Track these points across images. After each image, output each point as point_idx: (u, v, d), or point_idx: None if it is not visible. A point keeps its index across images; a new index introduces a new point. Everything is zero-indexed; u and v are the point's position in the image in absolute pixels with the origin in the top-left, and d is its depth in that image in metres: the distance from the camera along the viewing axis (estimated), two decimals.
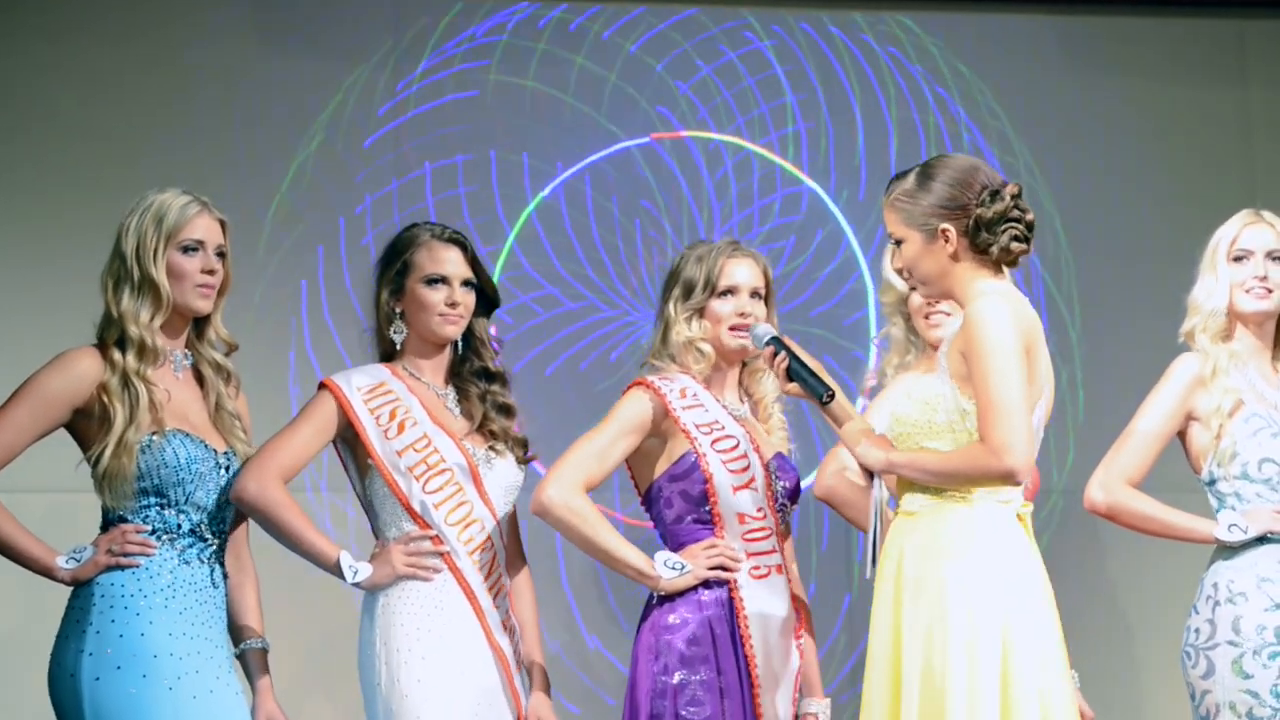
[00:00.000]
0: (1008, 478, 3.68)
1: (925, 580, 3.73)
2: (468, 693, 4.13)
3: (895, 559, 3.79)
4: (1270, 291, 4.54)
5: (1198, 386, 4.51)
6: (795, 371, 4.06)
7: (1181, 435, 4.56)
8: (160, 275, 4.02)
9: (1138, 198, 6.09)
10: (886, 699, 3.74)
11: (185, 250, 4.05)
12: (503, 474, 4.30)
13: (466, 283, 4.31)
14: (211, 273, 4.06)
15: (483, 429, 4.31)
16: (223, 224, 4.12)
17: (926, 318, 4.51)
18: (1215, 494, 4.52)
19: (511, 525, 4.35)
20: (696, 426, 4.27)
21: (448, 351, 4.35)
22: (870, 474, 3.86)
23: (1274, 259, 4.55)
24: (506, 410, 4.35)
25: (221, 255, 4.10)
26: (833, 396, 4.00)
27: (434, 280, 4.28)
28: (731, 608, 4.21)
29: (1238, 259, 4.55)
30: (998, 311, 3.70)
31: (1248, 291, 4.53)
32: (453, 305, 4.27)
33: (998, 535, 3.76)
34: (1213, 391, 4.48)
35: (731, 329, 4.32)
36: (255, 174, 5.71)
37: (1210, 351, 4.51)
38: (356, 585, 4.16)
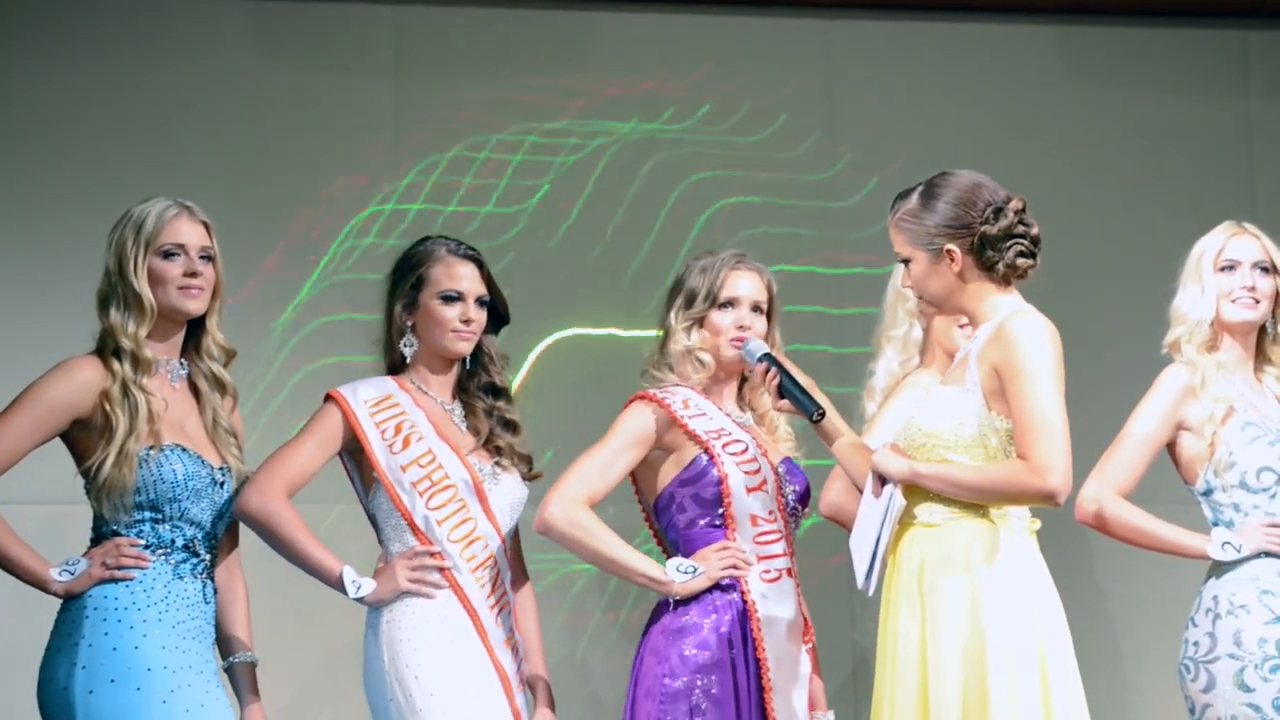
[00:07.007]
0: (1048, 498, 3.69)
1: (952, 593, 3.74)
2: (473, 709, 4.12)
3: (915, 571, 3.80)
4: (1258, 302, 4.55)
5: (1188, 396, 4.51)
6: (786, 389, 4.08)
7: (1170, 447, 4.56)
8: (142, 285, 4.00)
9: (1137, 207, 6.08)
10: (914, 708, 3.73)
11: (166, 255, 4.03)
12: (508, 490, 4.29)
13: (480, 300, 4.31)
14: (194, 275, 4.04)
15: (489, 444, 4.31)
16: (207, 226, 4.10)
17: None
18: (1212, 505, 4.51)
19: (515, 541, 4.35)
20: (706, 433, 4.27)
21: (456, 367, 4.35)
22: (882, 483, 3.84)
23: (1261, 270, 4.56)
24: (512, 426, 4.35)
25: (209, 258, 4.08)
26: (824, 415, 4.02)
27: (449, 296, 4.28)
28: (744, 610, 4.21)
29: (1225, 269, 4.56)
30: (1038, 331, 3.74)
31: (1234, 301, 4.55)
32: (467, 322, 4.28)
33: (1019, 549, 3.79)
34: (1203, 400, 4.48)
35: (730, 341, 4.31)
36: (257, 185, 5.70)
37: (1198, 362, 4.52)
38: (360, 601, 4.16)
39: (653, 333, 4.47)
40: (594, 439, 4.26)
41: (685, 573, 4.21)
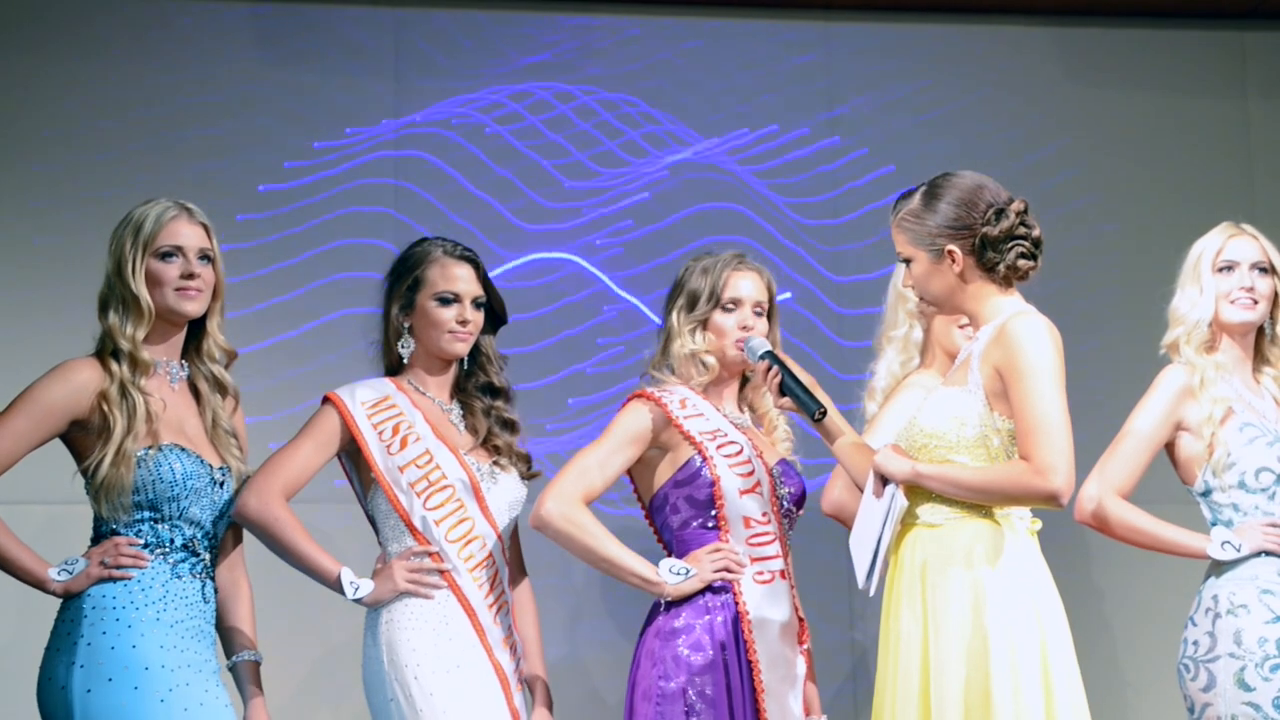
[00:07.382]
0: (1051, 499, 3.70)
1: (955, 593, 3.75)
2: (472, 708, 4.12)
3: (917, 570, 3.81)
4: (1256, 303, 4.55)
5: (1186, 397, 4.51)
6: (788, 387, 4.09)
7: (1168, 448, 4.56)
8: (140, 287, 4.00)
9: (1136, 207, 6.09)
10: (915, 708, 3.73)
11: (163, 257, 4.03)
12: (506, 489, 4.30)
13: (477, 300, 4.31)
14: (192, 276, 4.03)
15: (487, 444, 4.32)
16: (206, 228, 4.09)
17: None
18: (1210, 505, 4.51)
19: (514, 540, 4.36)
20: (701, 434, 4.28)
21: (454, 367, 4.36)
22: (884, 484, 3.84)
23: (1260, 271, 4.56)
24: (510, 425, 4.36)
25: (208, 260, 4.07)
26: (825, 413, 4.02)
27: (446, 298, 4.28)
28: (736, 612, 4.21)
29: (1223, 270, 4.57)
30: (1039, 332, 3.74)
31: (1233, 302, 4.55)
32: (463, 323, 4.29)
33: (1021, 549, 3.79)
34: (1202, 401, 4.49)
35: (734, 342, 4.32)
36: (257, 189, 5.70)
37: (1197, 362, 4.52)
38: (358, 602, 4.17)
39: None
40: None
41: (678, 574, 4.22)
